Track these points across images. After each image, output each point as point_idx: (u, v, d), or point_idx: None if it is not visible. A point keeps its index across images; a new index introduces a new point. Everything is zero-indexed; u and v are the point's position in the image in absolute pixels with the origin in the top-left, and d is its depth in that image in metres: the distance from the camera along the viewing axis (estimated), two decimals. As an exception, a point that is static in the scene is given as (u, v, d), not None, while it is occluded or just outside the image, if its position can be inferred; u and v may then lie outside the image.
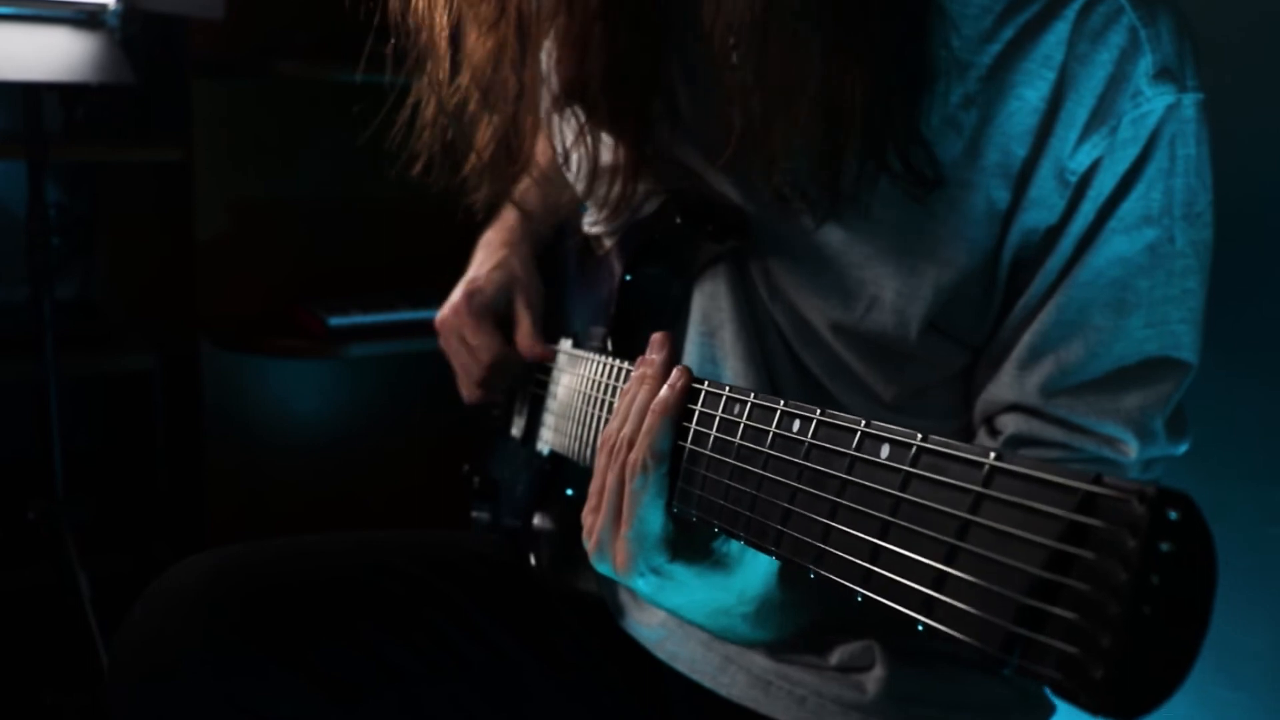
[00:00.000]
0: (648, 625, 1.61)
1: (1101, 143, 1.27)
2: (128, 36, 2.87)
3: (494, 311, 1.84)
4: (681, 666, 1.57)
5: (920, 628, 0.77)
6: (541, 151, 1.90)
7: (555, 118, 1.63)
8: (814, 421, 0.98)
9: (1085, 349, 1.30)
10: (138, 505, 3.83)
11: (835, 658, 1.47)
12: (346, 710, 1.57)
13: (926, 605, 0.76)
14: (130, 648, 1.58)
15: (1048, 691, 1.54)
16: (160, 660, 1.54)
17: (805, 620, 1.41)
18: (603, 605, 1.68)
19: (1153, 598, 0.63)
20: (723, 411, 1.13)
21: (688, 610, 1.33)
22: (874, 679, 1.45)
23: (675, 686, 1.59)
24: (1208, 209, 1.32)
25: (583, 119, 1.54)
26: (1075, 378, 1.31)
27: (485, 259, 1.88)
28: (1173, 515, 0.63)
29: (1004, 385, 1.35)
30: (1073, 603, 0.66)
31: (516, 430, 1.82)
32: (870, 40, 1.25)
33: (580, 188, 1.60)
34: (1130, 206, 1.28)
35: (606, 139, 1.54)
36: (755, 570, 1.28)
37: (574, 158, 1.60)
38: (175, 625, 1.56)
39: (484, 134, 1.66)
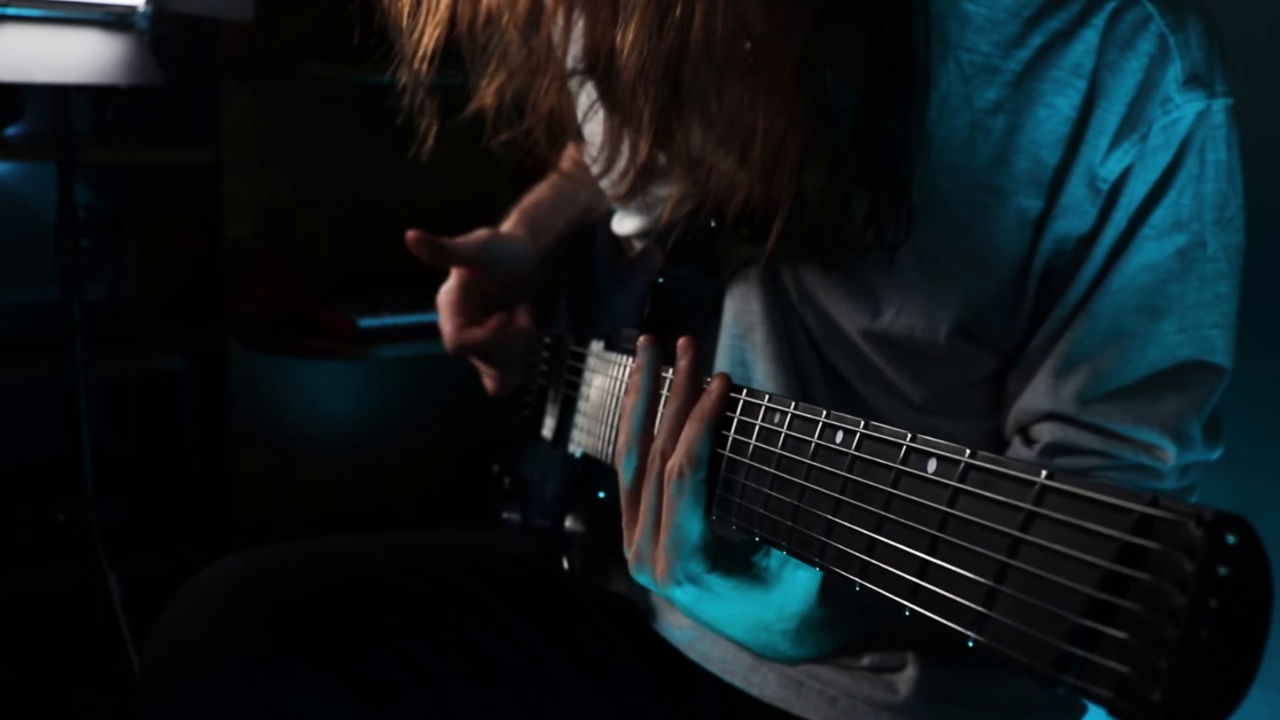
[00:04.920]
0: (679, 627, 1.62)
1: (1132, 150, 1.27)
2: (157, 38, 2.87)
3: (468, 300, 1.88)
4: (713, 667, 1.57)
5: (971, 644, 0.77)
6: (566, 154, 1.90)
7: (573, 84, 1.64)
8: (858, 434, 0.97)
9: (1119, 355, 1.30)
10: (167, 506, 3.84)
11: (867, 658, 1.48)
12: (376, 711, 1.57)
13: (978, 622, 0.76)
14: (161, 650, 1.60)
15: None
16: (191, 662, 1.55)
17: (846, 637, 1.41)
18: (633, 607, 1.68)
19: (1210, 621, 0.63)
20: (762, 420, 1.12)
21: (727, 625, 1.33)
22: (905, 679, 1.45)
23: (705, 687, 1.59)
24: (1239, 214, 1.32)
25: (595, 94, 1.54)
26: (1110, 384, 1.31)
27: None
28: (1230, 539, 0.63)
29: (1039, 394, 1.35)
30: (1128, 624, 0.66)
31: (548, 431, 1.82)
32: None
33: (598, 166, 1.60)
34: (1162, 213, 1.29)
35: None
36: (795, 587, 1.27)
37: (589, 127, 1.60)
38: (205, 627, 1.57)
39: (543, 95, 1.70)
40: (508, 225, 1.92)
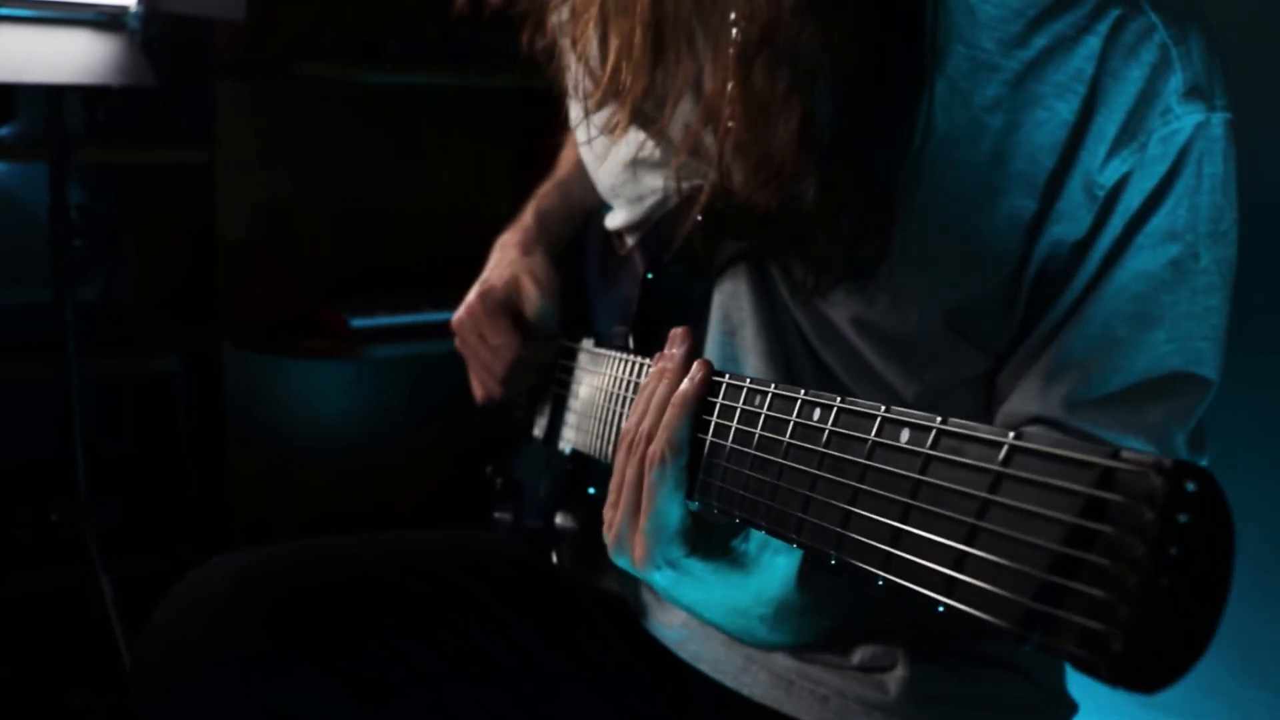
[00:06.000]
0: (669, 626, 1.62)
1: (1131, 158, 1.27)
2: (150, 38, 2.88)
3: (509, 310, 1.81)
4: (704, 667, 1.58)
5: (941, 609, 0.77)
6: (564, 156, 1.90)
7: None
8: (834, 409, 0.97)
9: (1109, 362, 1.30)
10: (164, 507, 3.84)
11: (857, 657, 1.48)
12: (374, 711, 1.57)
13: (947, 586, 0.76)
14: (155, 650, 1.60)
15: (1070, 691, 1.54)
16: (187, 662, 1.55)
17: (825, 625, 1.41)
18: (625, 605, 1.68)
19: (1171, 570, 0.63)
20: (744, 403, 1.12)
21: (705, 608, 1.33)
22: (896, 679, 1.45)
23: (698, 686, 1.60)
24: (1233, 228, 1.32)
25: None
26: (1098, 390, 1.31)
27: (499, 261, 1.87)
28: (1190, 487, 0.63)
29: (1028, 396, 1.35)
30: (1092, 578, 0.66)
31: (539, 430, 1.82)
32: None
33: (579, 108, 1.60)
34: (1157, 223, 1.29)
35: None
36: (773, 572, 1.27)
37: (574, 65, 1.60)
38: (201, 627, 1.57)
39: None
40: (523, 235, 1.90)
